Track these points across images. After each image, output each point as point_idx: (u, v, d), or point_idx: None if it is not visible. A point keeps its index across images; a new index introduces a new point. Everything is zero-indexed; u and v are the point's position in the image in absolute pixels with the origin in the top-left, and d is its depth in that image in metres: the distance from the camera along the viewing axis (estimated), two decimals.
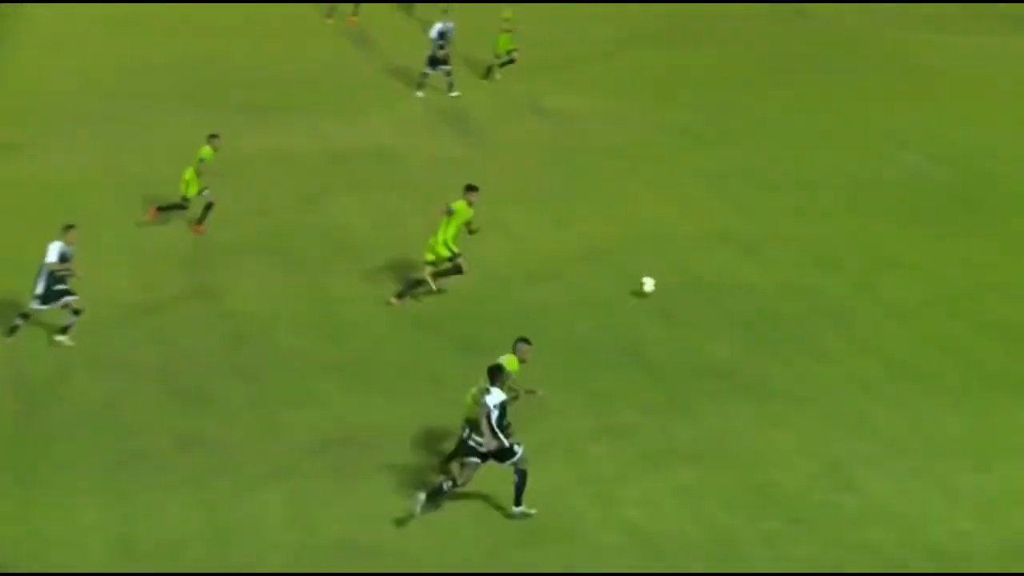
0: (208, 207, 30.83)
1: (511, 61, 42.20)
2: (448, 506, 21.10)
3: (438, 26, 40.24)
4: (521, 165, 35.87)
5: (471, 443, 21.03)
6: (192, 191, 30.63)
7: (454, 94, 40.68)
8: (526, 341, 22.10)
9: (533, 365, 22.34)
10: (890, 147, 36.71)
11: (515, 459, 21.02)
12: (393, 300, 28.00)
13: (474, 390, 21.22)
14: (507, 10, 42.13)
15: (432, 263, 27.81)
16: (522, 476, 21.06)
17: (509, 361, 21.81)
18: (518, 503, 21.19)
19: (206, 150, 30.50)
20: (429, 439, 23.07)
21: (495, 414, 20.88)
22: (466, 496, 21.33)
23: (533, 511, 21.16)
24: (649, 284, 27.86)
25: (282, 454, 22.67)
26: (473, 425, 21.02)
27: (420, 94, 40.65)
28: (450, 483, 21.12)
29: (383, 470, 22.16)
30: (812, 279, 29.25)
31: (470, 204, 27.51)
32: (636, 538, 20.80)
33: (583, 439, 23.34)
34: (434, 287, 27.94)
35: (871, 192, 33.88)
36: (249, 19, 47.25)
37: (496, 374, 21.01)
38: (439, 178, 33.42)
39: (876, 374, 25.36)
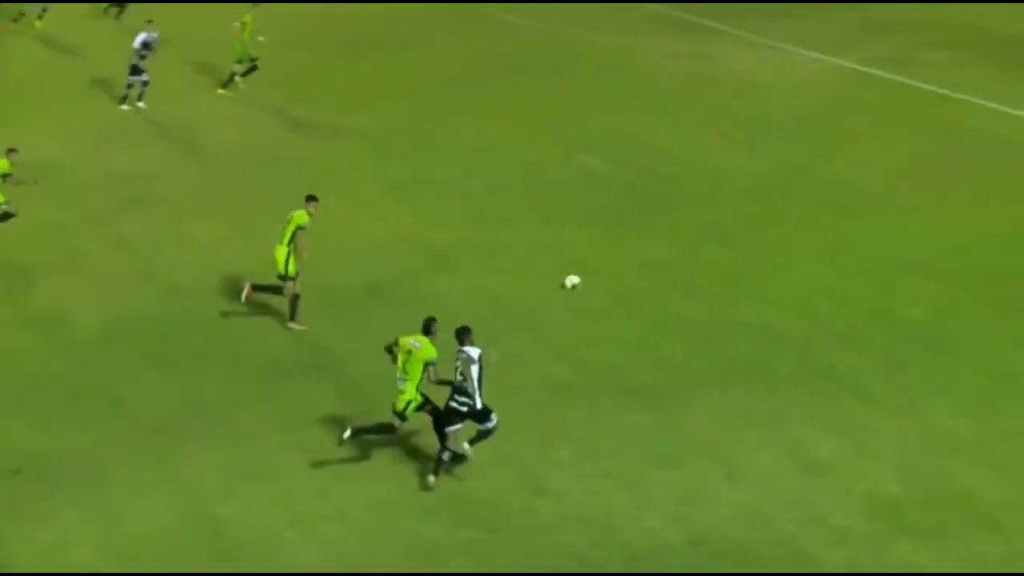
0: None
1: (254, 69, 41.66)
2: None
3: (142, 36, 39.72)
4: (206, 176, 35.29)
5: (452, 405, 21.99)
6: None
7: (140, 104, 40.07)
8: (433, 319, 22.43)
9: (223, 383, 21.99)
10: (572, 150, 37.30)
11: (493, 424, 22.13)
12: (291, 326, 27.44)
13: (409, 340, 22.01)
14: (246, 15, 41.56)
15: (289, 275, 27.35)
16: (483, 436, 22.16)
17: (426, 347, 22.13)
18: (471, 444, 22.27)
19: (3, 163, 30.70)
20: (110, 466, 22.46)
21: (475, 369, 21.82)
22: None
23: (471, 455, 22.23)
24: (572, 280, 28.11)
25: None
26: (456, 388, 21.90)
27: (125, 107, 40.08)
28: (448, 453, 22.12)
29: (65, 504, 21.46)
30: (499, 284, 29.51)
31: (310, 214, 27.29)
32: (334, 554, 20.66)
33: (275, 457, 23.05)
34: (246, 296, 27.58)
35: (555, 195, 34.36)
36: None
37: (465, 333, 21.97)
38: (109, 193, 32.73)
39: (566, 376, 25.70)
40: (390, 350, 22.61)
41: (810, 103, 40.15)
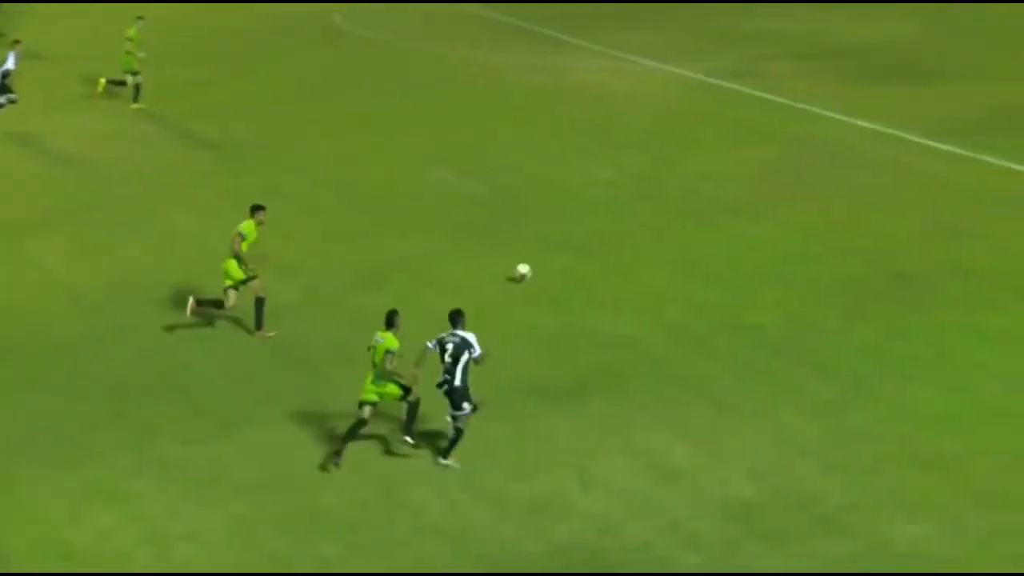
0: None
1: (122, 83, 41.34)
2: None
3: (11, 54, 39.70)
4: (46, 192, 34.71)
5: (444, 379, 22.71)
6: None
7: None
8: (396, 312, 23.06)
9: (69, 403, 21.63)
10: (425, 163, 37.31)
11: (464, 412, 22.71)
12: (259, 334, 27.51)
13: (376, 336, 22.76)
14: (130, 29, 41.20)
15: (236, 285, 27.46)
16: (459, 433, 22.72)
17: (388, 339, 22.71)
18: (446, 456, 22.85)
19: None
20: None
21: (477, 351, 22.69)
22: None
23: (458, 466, 22.70)
24: (522, 270, 28.22)
25: None
26: (443, 364, 22.68)
27: None
28: (452, 433, 22.86)
29: None
30: (351, 298, 29.37)
31: (259, 224, 27.45)
32: (189, 574, 20.40)
33: (126, 477, 22.70)
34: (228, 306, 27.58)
35: (408, 209, 34.34)
36: None
37: (458, 317, 22.95)
38: None
39: (423, 391, 25.55)
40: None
41: (656, 114, 40.60)
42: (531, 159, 37.59)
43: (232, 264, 27.56)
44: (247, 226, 27.54)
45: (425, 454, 23.27)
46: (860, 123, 38.58)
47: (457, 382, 22.80)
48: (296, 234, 32.58)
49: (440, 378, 22.91)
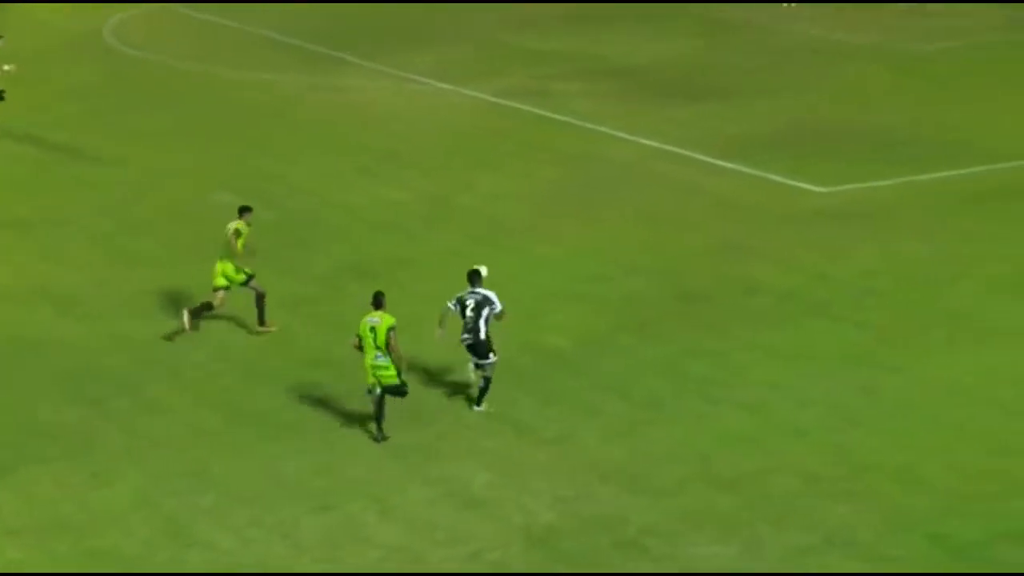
0: None
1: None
2: None
3: None
4: None
5: (464, 337, 24.40)
6: None
7: None
8: (381, 292, 24.11)
9: None
10: (207, 187, 36.50)
11: (490, 361, 24.41)
12: (262, 329, 28.04)
13: (369, 319, 23.62)
14: None
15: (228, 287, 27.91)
16: (488, 381, 24.46)
17: (385, 318, 23.55)
18: (479, 402, 24.64)
19: None
20: None
21: (498, 307, 24.39)
22: None
23: (492, 410, 24.54)
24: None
25: None
26: (464, 321, 24.35)
27: None
28: (482, 383, 24.53)
29: None
30: (136, 329, 28.50)
31: (248, 225, 27.98)
32: None
33: None
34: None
35: (192, 235, 33.47)
36: None
37: (475, 276, 24.63)
38: None
39: (212, 422, 24.92)
40: (357, 345, 23.81)
41: (446, 134, 40.36)
42: (320, 182, 37.02)
43: (228, 267, 27.83)
44: (240, 225, 27.85)
45: (213, 489, 22.56)
46: (646, 142, 38.82)
47: (482, 335, 24.45)
48: (78, 262, 31.53)
49: (463, 334, 24.52)
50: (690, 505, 22.06)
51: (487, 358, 24.55)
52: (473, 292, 24.76)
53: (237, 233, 27.90)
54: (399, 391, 23.81)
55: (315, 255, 32.03)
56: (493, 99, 43.18)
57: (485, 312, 24.49)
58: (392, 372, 23.60)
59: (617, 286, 30.11)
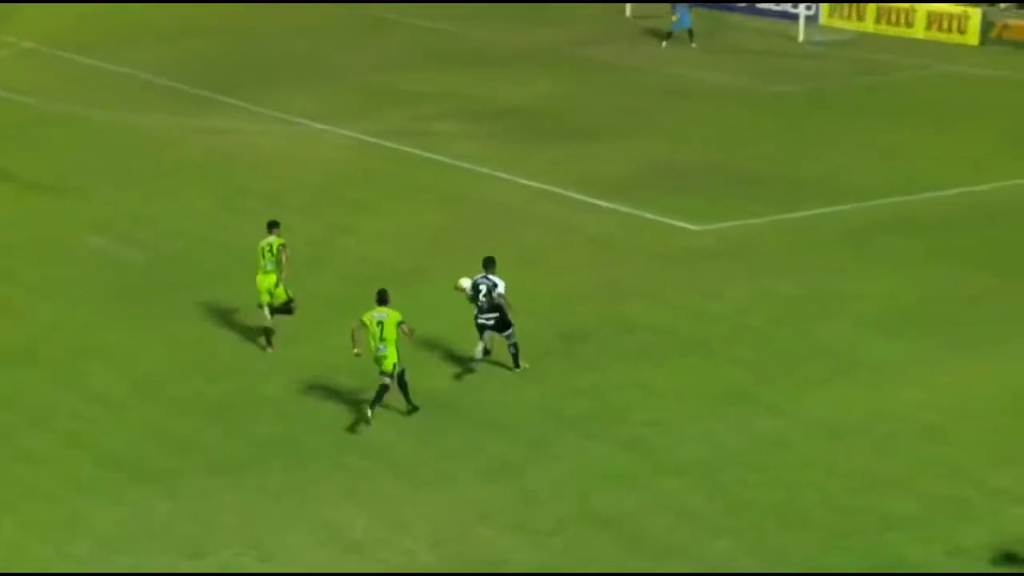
0: None
1: None
2: None
3: None
4: None
5: (481, 321, 27.66)
6: None
7: None
8: (385, 289, 26.27)
9: None
10: (81, 230, 36.06)
11: (510, 331, 27.59)
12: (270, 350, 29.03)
13: (375, 314, 25.80)
14: None
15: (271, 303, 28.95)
16: (516, 345, 27.75)
17: (392, 313, 25.77)
18: (517, 364, 27.86)
19: None
20: None
21: (500, 288, 27.56)
22: None
23: (527, 365, 27.85)
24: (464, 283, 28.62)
25: None
26: (480, 308, 27.53)
27: None
28: (483, 351, 27.76)
29: None
30: (4, 374, 28.06)
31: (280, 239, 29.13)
32: None
33: None
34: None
35: (67, 278, 33.10)
36: None
37: (490, 263, 27.93)
38: None
39: (85, 469, 24.57)
40: (353, 335, 25.85)
41: (325, 176, 40.22)
42: (198, 225, 36.71)
43: (271, 280, 28.68)
44: (277, 240, 28.89)
45: (87, 537, 22.23)
46: (525, 182, 38.98)
47: (505, 317, 27.58)
48: None
49: (482, 314, 27.55)
50: (571, 544, 22.15)
51: (509, 327, 27.58)
52: (486, 277, 27.72)
53: (284, 247, 28.81)
54: (403, 374, 26.03)
55: (194, 297, 31.71)
56: (374, 140, 43.15)
57: (494, 293, 27.48)
58: (391, 360, 25.68)
59: None
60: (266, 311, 28.89)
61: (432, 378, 27.60)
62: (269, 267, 28.80)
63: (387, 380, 25.74)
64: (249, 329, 29.88)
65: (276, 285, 28.88)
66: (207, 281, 32.73)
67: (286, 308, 29.16)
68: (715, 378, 27.70)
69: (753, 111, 47.35)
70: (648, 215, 36.85)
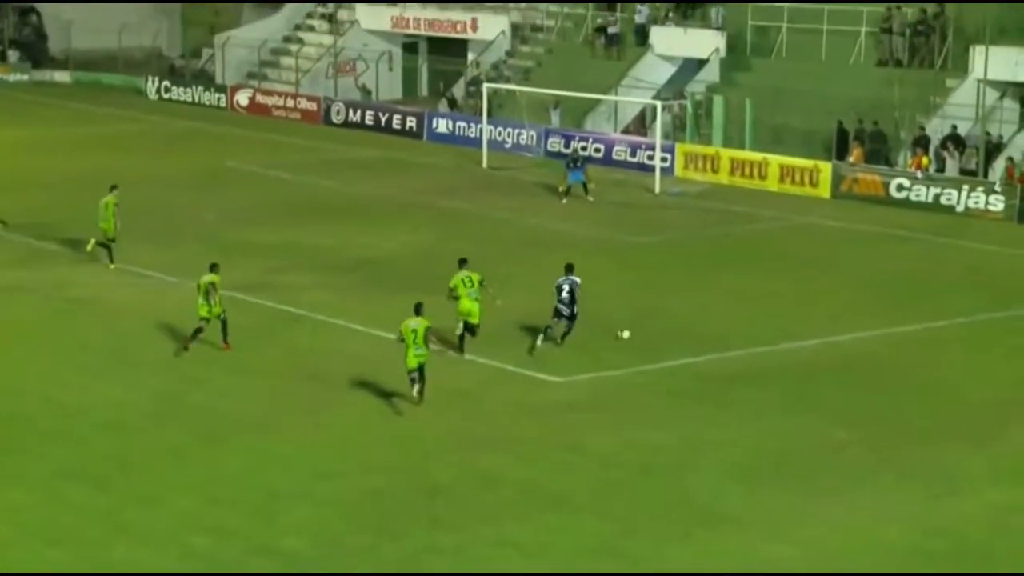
0: None
1: None
2: None
3: None
4: None
5: (560, 307, 36.14)
6: None
7: None
8: (420, 303, 32.97)
9: None
10: None
11: (574, 325, 36.28)
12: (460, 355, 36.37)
13: (411, 323, 32.67)
14: None
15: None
16: (571, 329, 36.54)
17: (422, 321, 32.47)
18: (562, 340, 36.55)
19: None
20: None
21: (578, 282, 36.36)
22: None
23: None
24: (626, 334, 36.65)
25: None
26: (560, 298, 36.10)
27: None
28: (549, 328, 36.26)
29: None
30: None
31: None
32: None
33: None
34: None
35: None
36: None
37: (571, 267, 36.54)
38: None
39: None
40: (401, 339, 32.70)
41: (176, 330, 39.05)
42: (35, 382, 35.21)
43: (475, 306, 36.30)
44: (475, 275, 36.65)
45: None
46: (381, 334, 38.19)
47: (576, 310, 36.16)
48: None
49: (564, 310, 36.15)
50: None
51: (574, 320, 36.19)
52: (568, 278, 35.91)
53: (481, 281, 35.99)
54: (422, 369, 32.76)
55: (27, 460, 30.22)
56: (227, 293, 42.17)
57: (576, 291, 36.00)
58: (424, 356, 32.66)
59: (354, 483, 29.19)
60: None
61: (289, 539, 26.45)
62: (472, 294, 36.01)
63: (415, 376, 32.44)
64: (95, 492, 28.53)
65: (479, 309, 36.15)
66: (42, 441, 31.23)
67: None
68: (580, 533, 26.98)
69: (611, 261, 47.32)
70: (509, 367, 36.26)
